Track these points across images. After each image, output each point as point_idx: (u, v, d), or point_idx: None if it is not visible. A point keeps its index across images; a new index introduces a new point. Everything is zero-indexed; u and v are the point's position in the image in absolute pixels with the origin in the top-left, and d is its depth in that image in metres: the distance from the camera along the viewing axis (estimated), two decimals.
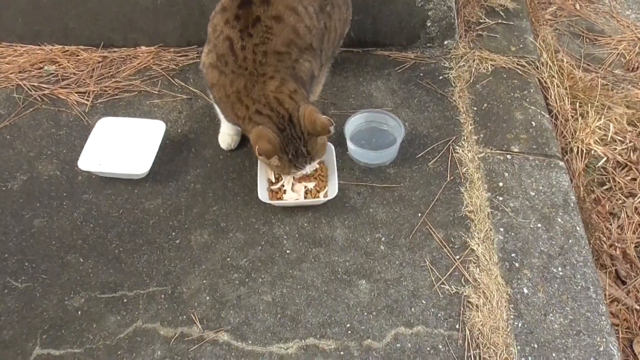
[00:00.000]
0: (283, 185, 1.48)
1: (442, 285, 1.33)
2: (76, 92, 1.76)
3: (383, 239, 1.41)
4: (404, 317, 1.28)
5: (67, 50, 1.88)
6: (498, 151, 1.60)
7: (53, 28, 1.87)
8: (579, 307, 1.30)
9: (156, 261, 1.38)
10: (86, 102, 1.74)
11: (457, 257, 1.37)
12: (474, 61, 1.83)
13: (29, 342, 1.25)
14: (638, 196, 1.65)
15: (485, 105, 1.72)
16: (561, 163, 1.58)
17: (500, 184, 1.52)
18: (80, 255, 1.40)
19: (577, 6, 2.26)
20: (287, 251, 1.39)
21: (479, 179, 1.53)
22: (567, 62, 1.91)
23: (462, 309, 1.29)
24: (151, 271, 1.36)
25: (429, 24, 1.85)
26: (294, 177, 1.47)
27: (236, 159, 1.58)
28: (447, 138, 1.62)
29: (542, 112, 1.70)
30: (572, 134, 1.74)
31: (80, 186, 1.53)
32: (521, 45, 1.90)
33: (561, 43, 2.03)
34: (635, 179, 1.69)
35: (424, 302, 1.30)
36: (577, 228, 1.44)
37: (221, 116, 1.52)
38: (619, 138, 1.76)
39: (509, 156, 1.59)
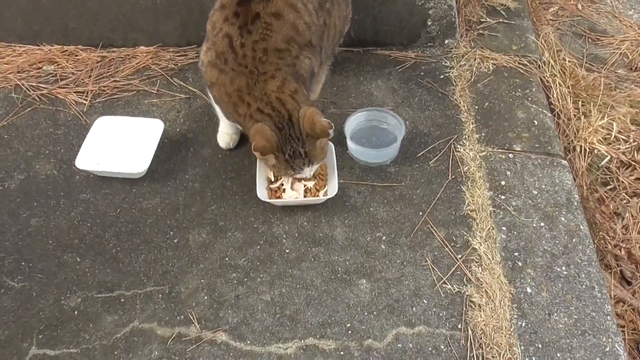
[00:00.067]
0: (282, 184, 1.46)
1: (444, 285, 1.30)
2: (74, 92, 1.75)
3: (384, 238, 1.39)
4: (405, 317, 1.26)
5: (66, 51, 1.87)
6: (500, 150, 1.58)
7: (53, 28, 1.87)
8: (583, 307, 1.27)
9: (154, 260, 1.36)
10: (84, 101, 1.73)
11: (459, 256, 1.35)
12: (475, 60, 1.82)
13: (25, 342, 1.23)
14: None
15: (486, 104, 1.70)
16: (564, 162, 1.56)
17: (503, 183, 1.50)
18: (77, 255, 1.38)
19: (579, 6, 2.24)
20: (287, 250, 1.38)
21: (480, 177, 1.51)
22: (569, 61, 1.90)
23: (464, 308, 1.26)
24: (148, 271, 1.34)
25: (429, 23, 1.83)
26: None
27: (235, 158, 1.57)
28: (448, 137, 1.60)
29: (544, 111, 1.69)
30: (575, 133, 1.72)
31: (78, 185, 1.52)
32: (523, 45, 1.88)
33: (563, 43, 2.02)
34: (639, 179, 1.67)
35: (426, 301, 1.28)
36: (581, 227, 1.41)
37: (220, 115, 1.51)
38: (623, 137, 1.74)
39: (511, 155, 1.57)
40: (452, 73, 1.79)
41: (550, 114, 1.69)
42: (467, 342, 1.21)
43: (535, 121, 1.65)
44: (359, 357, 1.20)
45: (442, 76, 1.79)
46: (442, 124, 1.64)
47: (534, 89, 1.75)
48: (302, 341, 1.22)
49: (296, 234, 1.40)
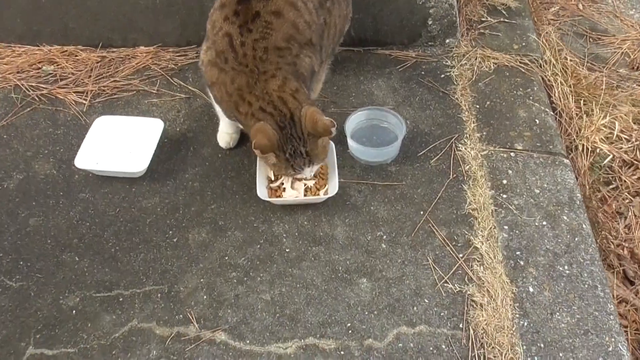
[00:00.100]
0: (282, 183, 1.45)
1: (445, 284, 1.29)
2: (74, 92, 1.74)
3: (384, 237, 1.38)
4: (406, 316, 1.24)
5: (66, 51, 1.87)
6: (501, 149, 1.57)
7: (53, 28, 1.86)
8: (586, 306, 1.26)
9: (153, 260, 1.35)
10: (84, 101, 1.72)
11: (461, 255, 1.34)
12: (476, 59, 1.81)
13: (22, 341, 1.22)
14: None
15: (488, 103, 1.69)
16: (566, 161, 1.55)
17: (504, 182, 1.49)
18: (76, 254, 1.37)
19: (580, 6, 2.24)
20: (287, 250, 1.37)
21: (482, 176, 1.50)
22: (570, 61, 1.89)
23: (465, 307, 1.25)
24: (148, 270, 1.34)
25: (430, 22, 1.83)
26: None
27: (235, 158, 1.56)
28: (449, 136, 1.60)
29: (546, 110, 1.68)
30: (577, 132, 1.71)
31: (77, 185, 1.51)
32: (524, 44, 1.87)
33: (564, 42, 2.01)
34: None
35: (427, 301, 1.27)
36: (584, 226, 1.40)
37: (220, 115, 1.51)
38: (625, 136, 1.72)
39: (512, 154, 1.56)
40: (453, 72, 1.78)
41: (552, 113, 1.68)
42: (469, 341, 1.20)
43: (536, 120, 1.64)
44: (359, 357, 1.19)
45: (443, 75, 1.78)
46: (443, 123, 1.63)
47: (535, 88, 1.74)
48: (302, 341, 1.21)
49: (296, 233, 1.39)
